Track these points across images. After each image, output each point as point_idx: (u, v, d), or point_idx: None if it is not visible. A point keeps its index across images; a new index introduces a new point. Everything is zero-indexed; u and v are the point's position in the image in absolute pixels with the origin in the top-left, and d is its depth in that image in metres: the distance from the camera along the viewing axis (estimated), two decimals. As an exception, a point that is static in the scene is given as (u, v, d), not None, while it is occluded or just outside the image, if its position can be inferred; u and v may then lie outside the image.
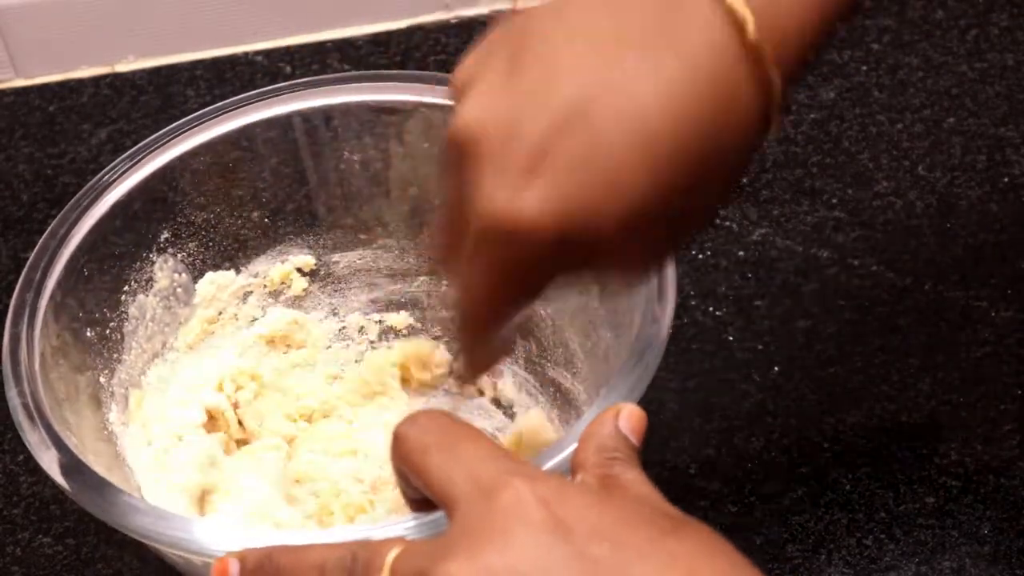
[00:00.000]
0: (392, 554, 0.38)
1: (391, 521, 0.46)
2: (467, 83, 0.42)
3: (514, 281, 0.42)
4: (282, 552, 0.41)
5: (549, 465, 0.48)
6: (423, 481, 0.39)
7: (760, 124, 0.41)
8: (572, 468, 0.41)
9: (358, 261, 0.69)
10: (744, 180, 0.41)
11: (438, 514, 0.40)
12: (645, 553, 0.35)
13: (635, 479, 0.40)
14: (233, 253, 0.67)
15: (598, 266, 0.43)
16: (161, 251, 0.64)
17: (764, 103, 0.40)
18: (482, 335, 0.46)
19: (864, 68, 0.88)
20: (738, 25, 0.39)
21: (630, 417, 0.42)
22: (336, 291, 0.70)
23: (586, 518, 0.36)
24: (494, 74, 0.41)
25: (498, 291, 0.43)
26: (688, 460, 0.68)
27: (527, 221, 0.39)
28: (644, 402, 0.50)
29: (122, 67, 0.92)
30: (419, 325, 0.70)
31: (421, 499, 0.41)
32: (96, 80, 0.91)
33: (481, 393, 0.68)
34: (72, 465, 0.50)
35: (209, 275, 0.66)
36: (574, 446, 0.44)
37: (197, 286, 0.65)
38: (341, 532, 0.47)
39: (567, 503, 0.36)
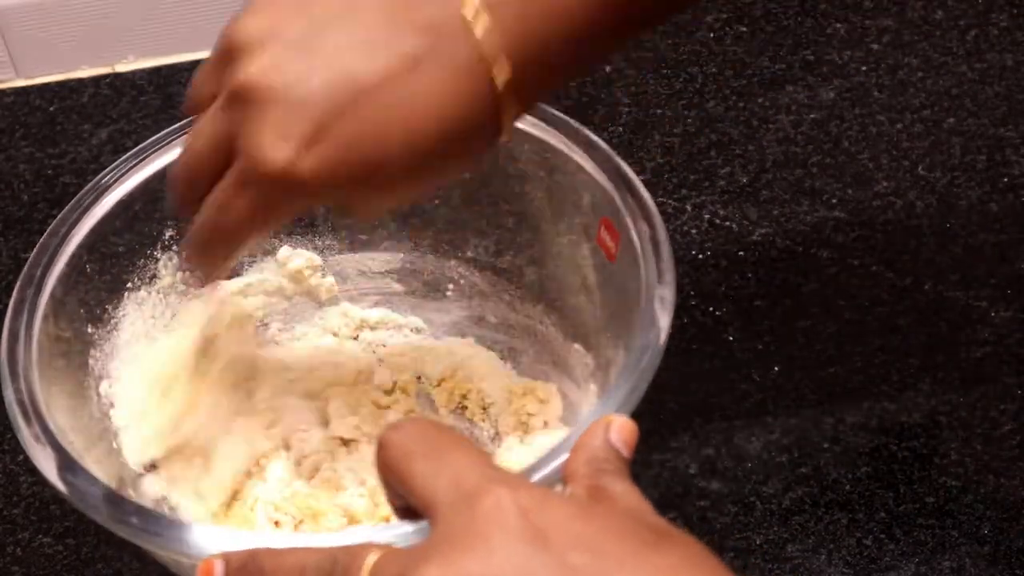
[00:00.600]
0: (371, 558, 0.38)
1: (378, 528, 0.46)
2: (259, 29, 0.48)
3: (268, 216, 0.49)
4: (265, 555, 0.41)
5: (544, 472, 0.47)
6: (406, 488, 0.39)
7: (492, 135, 0.49)
8: (563, 479, 0.41)
9: (358, 262, 0.69)
10: None
11: (424, 523, 0.40)
12: (626, 564, 0.35)
13: (624, 491, 0.40)
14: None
15: (336, 210, 0.53)
16: (166, 248, 0.64)
17: (498, 121, 0.48)
18: (223, 251, 0.52)
19: (864, 68, 0.88)
20: (489, 71, 0.47)
21: (621, 429, 0.42)
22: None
23: (567, 528, 0.36)
24: (288, 33, 0.47)
25: (253, 219, 0.49)
26: (688, 460, 0.68)
27: (299, 177, 0.46)
28: (644, 402, 0.50)
29: (122, 67, 0.92)
30: (425, 326, 0.70)
31: (406, 507, 0.41)
32: (96, 80, 0.91)
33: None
34: (67, 464, 0.50)
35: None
36: (565, 456, 0.44)
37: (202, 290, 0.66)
38: (324, 537, 0.47)
39: (549, 512, 0.36)
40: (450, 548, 0.36)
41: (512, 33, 0.47)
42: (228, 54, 0.49)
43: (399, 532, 0.45)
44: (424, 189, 0.52)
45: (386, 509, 0.60)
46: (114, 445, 0.61)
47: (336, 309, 0.70)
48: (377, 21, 0.47)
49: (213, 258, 0.53)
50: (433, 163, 0.48)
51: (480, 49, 0.47)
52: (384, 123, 0.46)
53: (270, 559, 0.41)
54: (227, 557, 0.42)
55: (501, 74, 0.47)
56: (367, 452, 0.64)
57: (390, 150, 0.47)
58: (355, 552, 0.39)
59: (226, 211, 0.49)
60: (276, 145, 0.46)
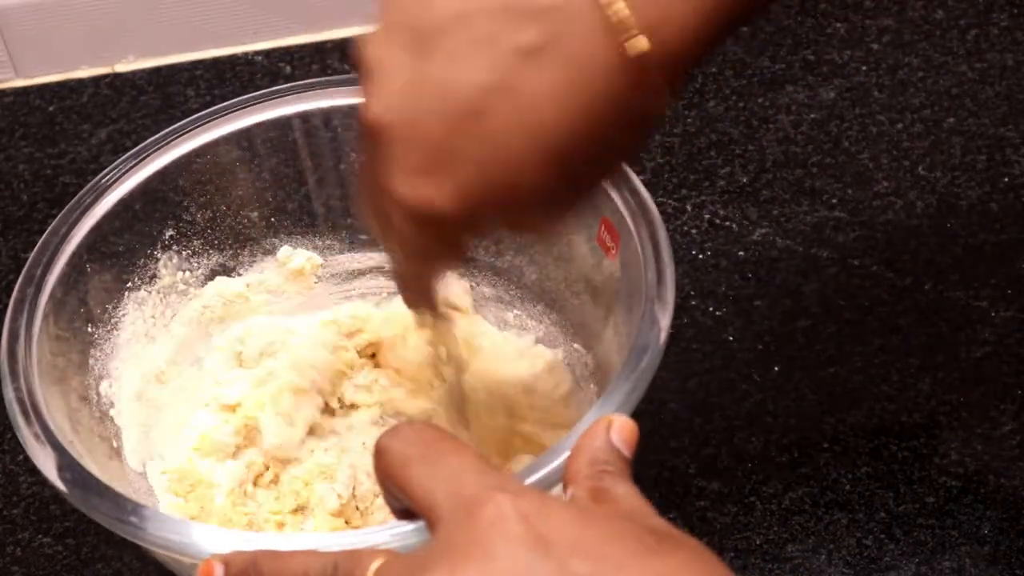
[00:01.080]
0: (374, 565, 0.38)
1: (377, 528, 0.46)
2: (373, 65, 0.46)
3: (434, 249, 0.49)
4: (266, 558, 0.41)
5: (542, 473, 0.47)
6: (405, 494, 0.39)
7: (642, 133, 0.47)
8: (564, 481, 0.41)
9: (358, 262, 0.69)
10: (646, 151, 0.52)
11: (422, 522, 0.40)
12: (627, 569, 0.35)
13: (626, 492, 0.40)
14: (235, 253, 0.67)
15: (508, 228, 0.51)
16: (166, 248, 0.64)
17: (647, 102, 0.45)
18: (415, 286, 0.53)
19: (864, 68, 0.88)
20: (619, 40, 0.43)
21: (621, 429, 0.42)
22: (336, 291, 0.70)
23: (568, 534, 0.36)
24: (399, 61, 0.45)
25: (421, 257, 0.50)
26: (688, 460, 0.68)
27: (440, 213, 0.45)
28: (644, 402, 0.50)
29: (122, 67, 0.92)
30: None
31: (405, 509, 0.41)
32: (96, 80, 0.91)
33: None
34: (67, 464, 0.50)
35: (212, 283, 0.67)
36: (566, 454, 0.44)
37: (202, 290, 0.66)
38: (327, 539, 0.47)
39: (549, 519, 0.36)
40: (452, 556, 0.36)
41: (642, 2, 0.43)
42: (362, 80, 0.47)
43: (398, 532, 0.45)
44: (583, 182, 0.48)
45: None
46: (114, 444, 0.61)
47: (336, 309, 0.70)
48: (490, 16, 0.44)
49: (417, 295, 0.54)
50: (577, 163, 0.45)
51: (607, 22, 0.43)
52: (505, 134, 0.44)
53: (271, 563, 0.41)
54: (228, 559, 0.42)
55: (636, 46, 0.43)
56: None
57: (520, 162, 0.44)
58: (358, 558, 0.39)
59: (403, 250, 0.50)
60: (406, 183, 0.45)
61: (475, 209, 0.46)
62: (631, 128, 0.46)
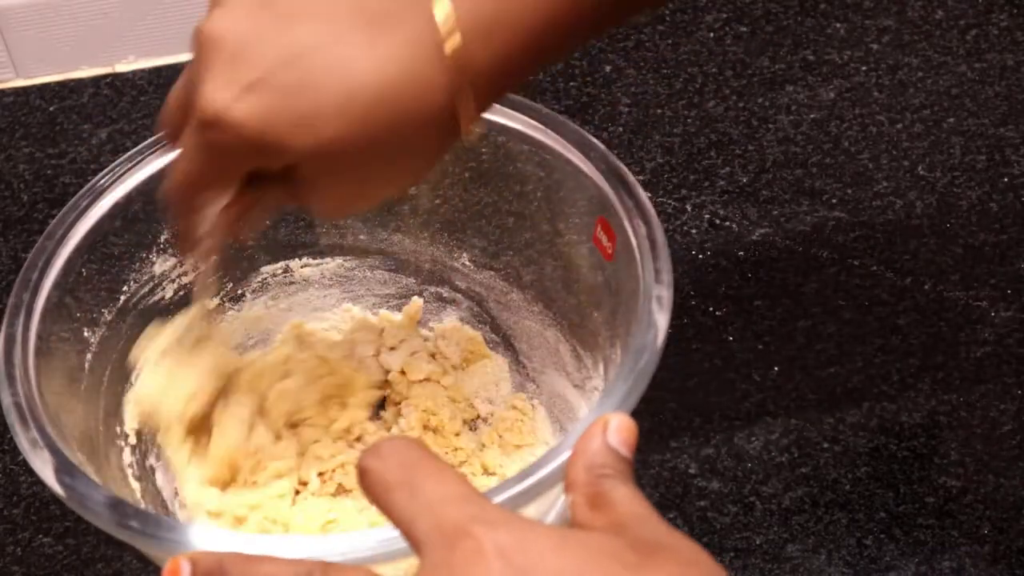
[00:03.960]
0: None
1: (364, 533, 0.46)
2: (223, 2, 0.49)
3: (214, 163, 0.50)
4: (234, 561, 0.41)
5: (542, 474, 0.47)
6: (387, 518, 0.39)
7: (448, 123, 0.49)
8: (564, 487, 0.41)
9: (358, 262, 0.69)
10: (428, 169, 0.52)
11: None
12: None
13: (625, 495, 0.39)
14: (233, 254, 0.67)
15: (295, 186, 0.50)
16: (162, 251, 0.64)
17: (451, 104, 0.48)
18: (187, 205, 0.52)
19: (864, 68, 0.88)
20: (440, 39, 0.47)
21: (619, 429, 0.41)
22: (334, 290, 0.70)
23: (547, 563, 0.36)
24: (247, 2, 0.48)
25: (201, 168, 0.50)
26: (688, 460, 0.68)
27: (233, 120, 0.47)
28: (643, 402, 0.50)
29: (122, 67, 0.92)
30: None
31: None
32: (96, 80, 0.91)
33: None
34: (64, 467, 0.50)
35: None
36: (567, 455, 0.43)
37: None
38: (306, 545, 0.46)
39: (527, 550, 0.36)
40: None
41: (470, 9, 0.47)
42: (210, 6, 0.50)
43: (384, 538, 0.45)
44: (374, 174, 0.50)
45: None
46: (119, 444, 0.61)
47: (337, 310, 0.70)
48: None
49: (188, 218, 0.53)
50: (371, 130, 0.48)
51: (433, 20, 0.47)
52: (322, 75, 0.47)
53: (239, 567, 0.40)
54: (195, 559, 0.41)
55: (451, 43, 0.47)
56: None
57: (323, 101, 0.47)
58: (334, 572, 0.39)
59: (182, 159, 0.51)
60: (217, 91, 0.47)
61: (268, 133, 0.47)
62: (436, 121, 0.48)
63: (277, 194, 0.52)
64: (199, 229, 0.53)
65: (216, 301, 0.68)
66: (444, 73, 0.47)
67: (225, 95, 0.47)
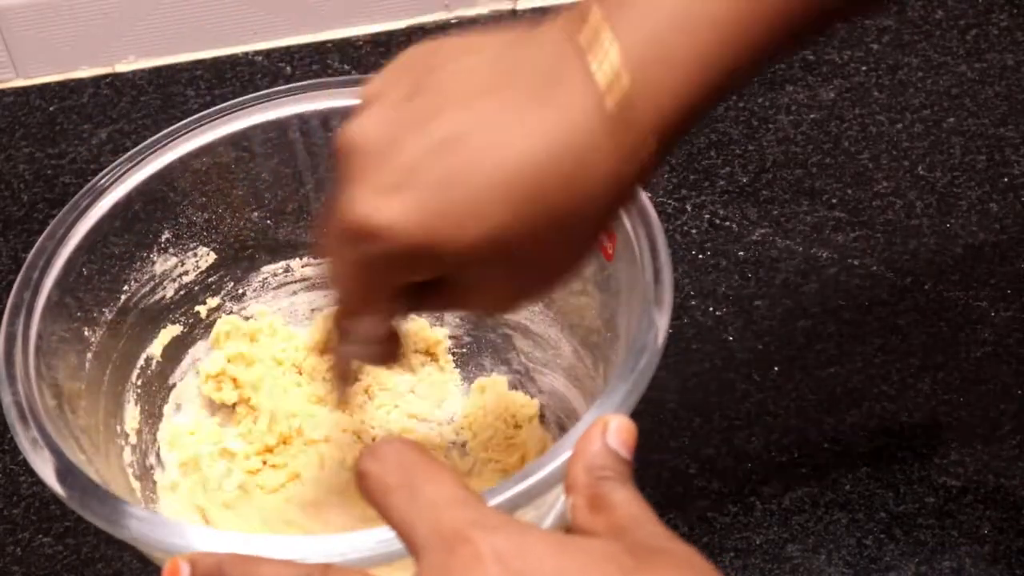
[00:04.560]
0: None
1: (363, 533, 0.46)
2: (371, 98, 0.46)
3: (369, 278, 0.46)
4: (233, 562, 0.40)
5: (541, 475, 0.47)
6: (386, 521, 0.39)
7: (621, 187, 0.45)
8: (564, 489, 0.41)
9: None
10: (598, 241, 0.47)
11: None
12: None
13: (625, 498, 0.39)
14: (234, 254, 0.67)
15: (456, 290, 0.47)
16: (163, 251, 0.64)
17: (623, 169, 0.44)
18: (351, 325, 0.49)
19: (864, 68, 0.88)
20: (601, 94, 0.43)
21: (619, 431, 0.41)
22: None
23: (544, 567, 0.36)
24: (393, 94, 0.45)
25: (356, 286, 0.46)
26: (688, 460, 0.68)
27: (381, 225, 0.43)
28: (643, 402, 0.50)
29: (122, 67, 0.92)
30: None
31: None
32: (96, 80, 0.91)
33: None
34: (65, 467, 0.50)
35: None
36: (566, 455, 0.43)
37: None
38: (305, 546, 0.46)
39: (525, 555, 0.36)
40: None
41: (636, 50, 0.43)
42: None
43: (383, 539, 0.45)
44: (537, 263, 0.46)
45: None
46: (120, 443, 0.61)
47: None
48: (491, 66, 0.44)
49: (349, 348, 0.51)
50: (536, 215, 0.43)
51: (591, 77, 0.43)
52: (474, 164, 0.43)
53: (238, 568, 0.40)
54: (194, 560, 0.41)
55: (612, 97, 0.43)
56: None
57: (479, 192, 0.43)
58: (335, 573, 0.39)
59: (337, 283, 0.47)
60: (362, 198, 0.44)
61: (419, 234, 0.43)
62: (605, 189, 0.45)
63: (433, 304, 0.49)
64: (363, 358, 0.51)
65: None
66: (609, 135, 0.43)
67: (371, 201, 0.43)
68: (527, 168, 0.43)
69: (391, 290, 0.47)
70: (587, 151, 0.43)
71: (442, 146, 0.43)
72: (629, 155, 0.44)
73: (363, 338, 0.49)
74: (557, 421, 0.66)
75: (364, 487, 0.40)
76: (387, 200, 0.43)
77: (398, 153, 0.43)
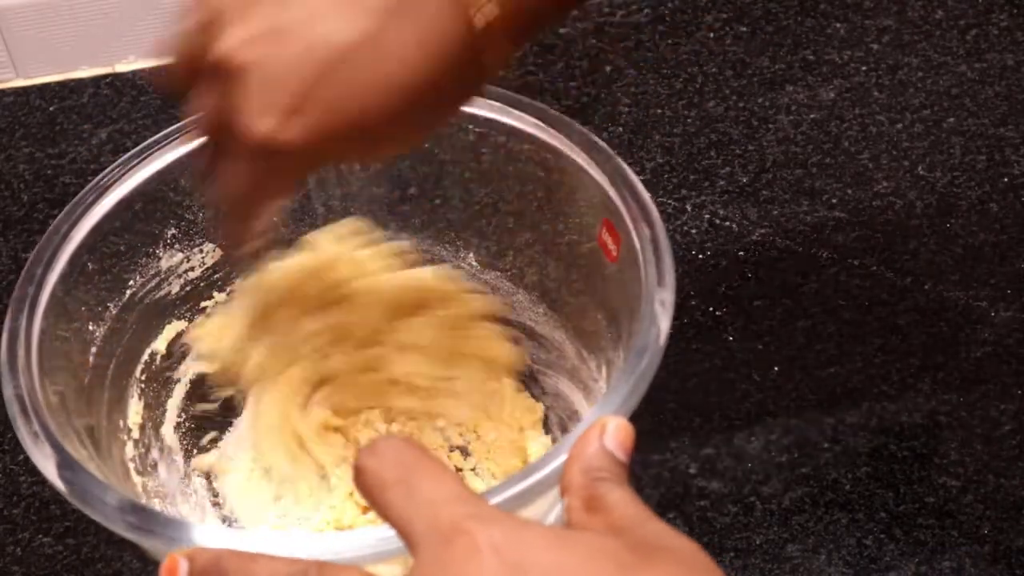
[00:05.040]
0: None
1: (363, 531, 0.46)
2: (227, 5, 0.49)
3: (271, 183, 0.51)
4: (231, 558, 0.41)
5: (539, 476, 0.47)
6: (383, 516, 0.39)
7: (483, 71, 0.50)
8: (560, 490, 0.41)
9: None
10: None
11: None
12: None
13: (621, 499, 0.39)
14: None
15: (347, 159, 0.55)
16: (169, 247, 0.64)
17: (488, 62, 0.49)
18: (241, 220, 0.53)
19: (864, 68, 0.88)
20: (468, 13, 0.48)
21: (616, 433, 0.41)
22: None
23: (541, 561, 0.36)
24: (259, 8, 0.48)
25: (257, 184, 0.51)
26: (688, 460, 0.68)
27: (286, 149, 0.48)
28: (644, 402, 0.50)
29: (122, 67, 0.92)
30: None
31: None
32: (96, 80, 0.91)
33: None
34: (66, 462, 0.50)
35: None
36: (564, 457, 0.43)
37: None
38: (303, 543, 0.46)
39: (522, 547, 0.36)
40: None
41: None
42: (207, 20, 0.49)
43: (380, 537, 0.45)
44: (414, 136, 0.53)
45: None
46: (123, 438, 0.61)
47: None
48: None
49: (239, 229, 0.54)
50: (417, 112, 0.49)
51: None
52: (361, 83, 0.47)
53: (236, 564, 0.40)
54: (192, 555, 0.41)
55: (484, 18, 0.48)
56: None
57: (370, 109, 0.48)
58: (330, 571, 0.39)
59: (233, 183, 0.51)
60: (259, 118, 0.48)
61: (320, 146, 0.48)
62: (471, 81, 0.51)
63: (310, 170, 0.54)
64: (255, 228, 0.54)
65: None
66: (474, 43, 0.48)
67: (269, 123, 0.48)
68: (405, 87, 0.48)
69: (293, 179, 0.53)
70: (455, 63, 0.48)
71: (327, 69, 0.47)
72: (490, 55, 0.49)
73: (265, 211, 0.53)
74: (560, 423, 0.66)
75: (361, 483, 0.40)
76: (288, 123, 0.47)
77: (288, 77, 0.47)
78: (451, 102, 0.51)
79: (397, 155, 0.63)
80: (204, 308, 0.67)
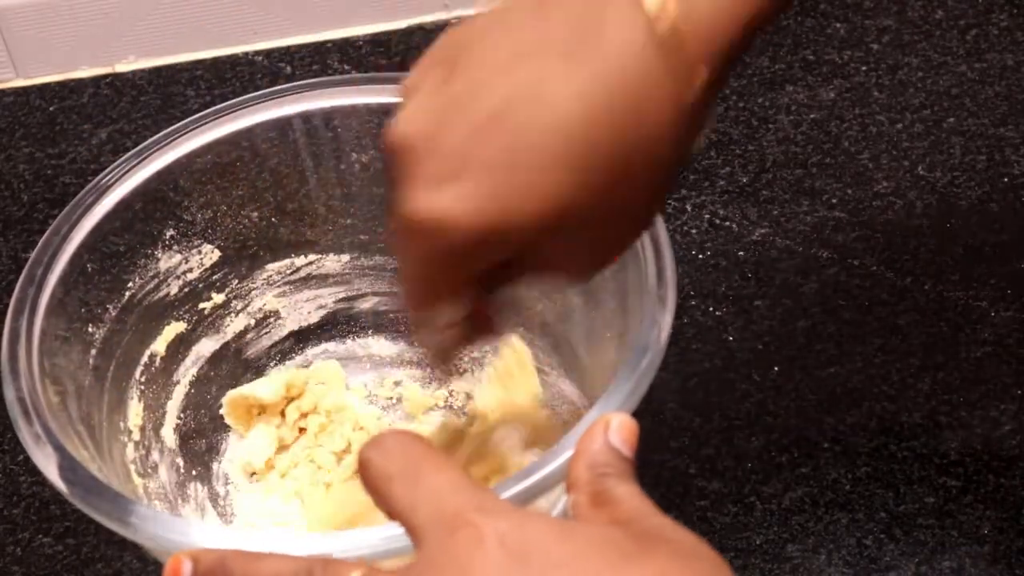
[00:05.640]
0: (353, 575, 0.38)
1: (367, 530, 0.46)
2: (411, 91, 0.44)
3: (438, 272, 0.45)
4: (236, 558, 0.40)
5: (543, 473, 0.47)
6: (387, 509, 0.39)
7: (683, 119, 0.42)
8: (566, 487, 0.41)
9: (358, 262, 0.69)
10: (675, 185, 0.43)
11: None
12: None
13: (627, 493, 0.39)
14: (237, 251, 0.67)
15: (530, 265, 0.45)
16: (166, 248, 0.64)
17: (683, 97, 0.42)
18: (424, 320, 0.48)
19: (864, 68, 0.88)
20: (651, 22, 0.40)
21: (620, 429, 0.41)
22: (339, 288, 0.70)
23: (545, 551, 0.36)
24: (430, 84, 0.43)
25: (425, 282, 0.45)
26: (688, 460, 0.68)
27: (440, 219, 0.42)
28: (644, 402, 0.50)
29: (122, 67, 0.92)
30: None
31: None
32: (96, 80, 0.91)
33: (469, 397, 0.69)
34: (67, 463, 0.50)
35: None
36: (569, 453, 0.43)
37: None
38: (307, 542, 0.46)
39: (527, 538, 0.36)
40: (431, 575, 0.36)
41: None
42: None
43: (387, 535, 0.45)
44: (617, 207, 0.43)
45: None
46: (123, 439, 0.61)
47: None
48: (523, 28, 0.42)
49: (429, 337, 0.50)
50: (601, 169, 0.41)
51: (639, 8, 0.41)
52: (523, 131, 0.41)
53: (241, 564, 0.40)
54: (196, 556, 0.41)
55: (665, 21, 0.41)
56: None
57: (536, 159, 0.41)
58: (335, 568, 0.39)
59: (405, 280, 0.46)
60: (418, 194, 0.42)
61: (484, 221, 0.42)
62: (669, 120, 0.42)
63: (515, 279, 0.47)
64: (447, 343, 0.50)
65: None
66: (663, 62, 0.41)
67: (427, 195, 0.42)
68: (577, 124, 0.41)
69: (461, 280, 0.45)
70: (643, 84, 0.41)
71: (488, 123, 0.41)
72: (685, 81, 0.41)
73: (442, 327, 0.49)
74: (561, 420, 0.66)
75: (365, 475, 0.40)
76: (442, 192, 0.41)
77: (446, 140, 0.41)
78: (646, 150, 0.42)
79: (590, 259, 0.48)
80: (202, 309, 0.67)
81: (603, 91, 0.41)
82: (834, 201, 0.79)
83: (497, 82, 0.41)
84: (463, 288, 0.46)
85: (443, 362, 0.53)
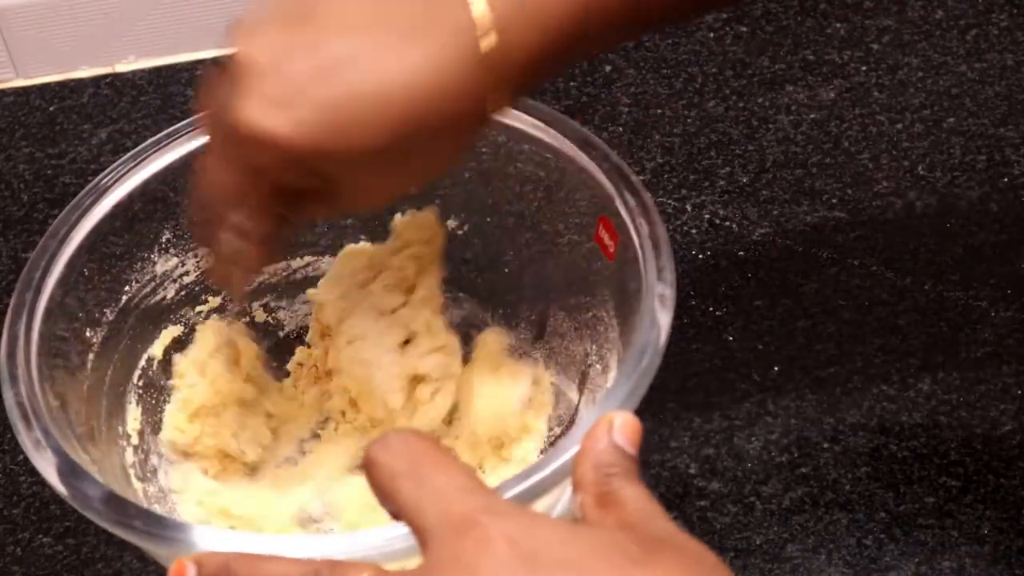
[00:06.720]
0: None
1: (371, 532, 0.46)
2: (253, 25, 0.50)
3: (247, 179, 0.50)
4: (241, 561, 0.41)
5: (545, 473, 0.47)
6: (395, 509, 0.39)
7: (478, 119, 0.50)
8: (572, 487, 0.41)
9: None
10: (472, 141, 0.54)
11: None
12: None
13: (633, 494, 0.39)
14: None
15: (327, 195, 0.51)
16: (163, 251, 0.64)
17: (482, 106, 0.50)
18: (215, 223, 0.52)
19: (864, 68, 0.88)
20: (475, 38, 0.48)
21: (624, 428, 0.41)
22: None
23: (553, 552, 0.36)
24: (279, 22, 0.49)
25: (233, 184, 0.50)
26: (688, 460, 0.68)
27: (272, 134, 0.47)
28: (644, 402, 0.50)
29: (122, 67, 0.92)
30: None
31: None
32: (96, 80, 0.91)
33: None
34: (67, 467, 0.50)
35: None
36: (570, 453, 0.43)
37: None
38: (311, 544, 0.46)
39: (535, 539, 0.36)
40: None
41: (506, 9, 0.48)
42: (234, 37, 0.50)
43: (391, 536, 0.45)
44: (405, 171, 0.52)
45: None
46: (121, 443, 0.61)
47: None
48: (378, 5, 0.49)
49: (214, 237, 0.53)
50: (405, 135, 0.48)
51: (469, 22, 0.48)
52: (358, 85, 0.47)
53: (246, 567, 0.40)
54: (200, 560, 0.41)
55: (486, 43, 0.48)
56: None
57: (358, 112, 0.47)
58: (342, 570, 0.39)
59: (211, 175, 0.51)
60: (250, 107, 0.47)
61: (306, 147, 0.47)
62: (467, 120, 0.50)
63: (305, 207, 0.52)
64: (226, 250, 0.53)
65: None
66: (476, 74, 0.48)
67: (259, 111, 0.47)
68: (403, 95, 0.47)
69: (268, 187, 0.50)
70: (455, 86, 0.48)
71: (328, 70, 0.47)
72: (489, 94, 0.49)
73: (234, 231, 0.52)
74: (561, 420, 0.66)
75: (372, 475, 0.40)
76: (277, 112, 0.47)
77: (290, 72, 0.47)
78: (446, 136, 0.50)
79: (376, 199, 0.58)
80: (199, 312, 0.67)
81: (426, 79, 0.48)
82: (834, 201, 0.79)
83: (344, 40, 0.48)
84: (262, 196, 0.51)
85: (230, 280, 0.55)
